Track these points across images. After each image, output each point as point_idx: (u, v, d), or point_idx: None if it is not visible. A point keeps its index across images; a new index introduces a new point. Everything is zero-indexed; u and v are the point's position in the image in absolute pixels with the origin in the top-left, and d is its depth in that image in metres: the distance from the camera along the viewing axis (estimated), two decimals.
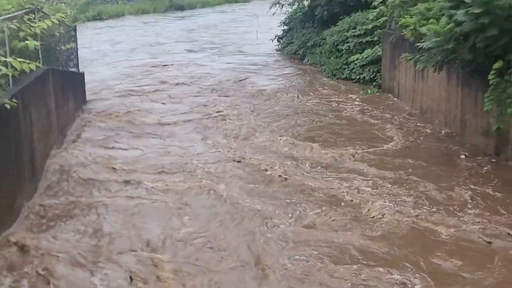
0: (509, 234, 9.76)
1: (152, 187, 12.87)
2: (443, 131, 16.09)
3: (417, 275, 8.60)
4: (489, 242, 9.50)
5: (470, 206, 11.12)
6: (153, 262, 9.39)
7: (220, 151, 15.69)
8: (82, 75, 21.03)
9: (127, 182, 13.29)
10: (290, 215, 11.19)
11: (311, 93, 22.48)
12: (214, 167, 14.31)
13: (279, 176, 13.36)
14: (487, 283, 8.26)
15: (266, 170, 13.89)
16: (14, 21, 12.86)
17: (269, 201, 11.92)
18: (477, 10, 11.83)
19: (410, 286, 8.29)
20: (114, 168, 14.27)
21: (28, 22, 13.95)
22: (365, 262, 9.08)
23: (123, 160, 14.93)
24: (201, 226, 10.92)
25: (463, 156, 13.89)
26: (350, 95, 21.70)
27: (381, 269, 8.75)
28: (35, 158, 12.73)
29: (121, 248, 9.92)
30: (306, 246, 9.88)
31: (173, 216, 11.34)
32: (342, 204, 11.58)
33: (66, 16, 17.98)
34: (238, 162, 14.76)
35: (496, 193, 11.68)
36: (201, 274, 9.01)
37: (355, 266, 8.97)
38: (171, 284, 8.87)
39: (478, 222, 10.27)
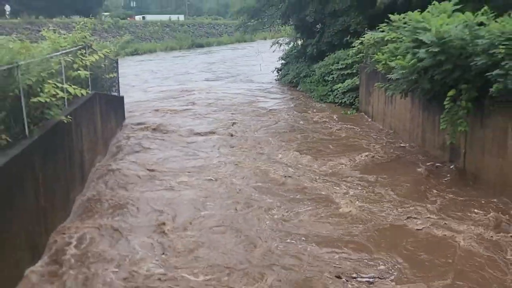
0: (445, 223, 10.08)
1: (180, 182, 13.30)
2: (408, 145, 16.14)
3: (380, 251, 8.92)
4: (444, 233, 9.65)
5: (425, 200, 11.46)
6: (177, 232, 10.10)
7: (232, 156, 16.00)
8: (122, 98, 21.18)
9: (159, 179, 13.60)
10: (285, 207, 11.40)
11: (303, 113, 22.57)
12: (228, 168, 14.64)
13: (281, 176, 13.58)
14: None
15: (270, 172, 14.12)
16: (70, 55, 13.07)
17: (271, 196, 12.19)
18: (435, 49, 12.00)
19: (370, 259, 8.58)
20: (148, 169, 14.50)
21: (80, 56, 14.13)
22: (337, 244, 9.31)
23: (156, 162, 15.19)
24: (217, 211, 11.35)
25: (422, 167, 13.92)
26: (334, 115, 21.79)
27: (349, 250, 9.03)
28: (84, 164, 12.90)
29: (154, 224, 10.44)
30: (293, 230, 10.14)
31: (197, 202, 11.82)
32: (325, 200, 11.77)
33: (110, 51, 18.17)
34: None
35: (448, 193, 11.85)
36: (212, 242, 9.66)
37: (328, 245, 9.29)
38: (191, 246, 9.47)
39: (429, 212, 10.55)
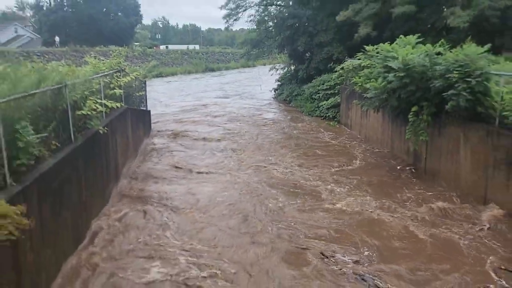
0: (406, 210, 10.21)
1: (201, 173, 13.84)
2: (380, 150, 16.12)
3: (356, 238, 8.87)
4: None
5: (393, 192, 11.54)
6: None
7: (239, 156, 16.27)
8: (149, 112, 21.19)
9: (182, 174, 13.88)
10: (281, 198, 11.47)
11: (296, 124, 22.54)
12: (236, 165, 14.91)
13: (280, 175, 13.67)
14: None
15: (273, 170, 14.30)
16: (107, 77, 13.14)
17: (270, 189, 12.34)
18: (402, 74, 12.05)
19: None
20: (173, 166, 14.77)
21: (116, 77, 14.21)
22: (322, 231, 9.28)
23: (179, 161, 15.33)
24: (228, 196, 11.78)
25: (392, 168, 13.99)
26: (320, 126, 21.77)
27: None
28: (118, 165, 12.90)
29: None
30: (285, 217, 10.21)
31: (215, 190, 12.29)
32: (315, 194, 11.76)
33: (139, 74, 18.21)
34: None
35: (412, 189, 11.89)
36: (221, 217, 10.23)
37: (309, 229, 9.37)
38: (205, 219, 10.17)
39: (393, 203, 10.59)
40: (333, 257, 8.19)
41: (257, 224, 9.88)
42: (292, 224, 9.76)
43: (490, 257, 7.92)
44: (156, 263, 8.00)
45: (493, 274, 7.42)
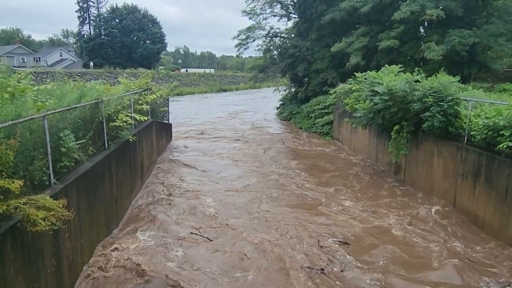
0: (388, 212, 10.19)
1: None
2: (366, 162, 16.07)
3: (338, 226, 8.92)
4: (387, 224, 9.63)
5: (376, 196, 11.49)
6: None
7: (244, 152, 17.34)
8: (170, 124, 21.33)
9: (199, 171, 14.45)
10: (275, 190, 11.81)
11: (294, 138, 22.52)
12: (235, 154, 16.42)
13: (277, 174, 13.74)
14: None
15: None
16: (136, 94, 13.28)
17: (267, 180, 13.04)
18: (386, 97, 12.09)
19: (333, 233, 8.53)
20: (189, 166, 15.30)
21: (144, 95, 14.34)
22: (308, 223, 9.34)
23: (195, 162, 15.86)
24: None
25: (375, 176, 13.94)
26: (316, 140, 21.78)
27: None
28: (144, 168, 12.99)
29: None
30: (275, 208, 10.46)
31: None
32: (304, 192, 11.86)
33: (163, 92, 18.36)
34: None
35: (393, 194, 11.84)
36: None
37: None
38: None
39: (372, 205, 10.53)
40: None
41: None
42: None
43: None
44: None
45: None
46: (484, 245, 8.30)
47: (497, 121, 8.43)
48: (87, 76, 46.50)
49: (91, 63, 67.25)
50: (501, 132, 8.32)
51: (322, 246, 8.21)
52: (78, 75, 45.03)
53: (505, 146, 8.05)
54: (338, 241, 8.50)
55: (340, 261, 7.63)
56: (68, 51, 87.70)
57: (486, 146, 9.00)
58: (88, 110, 8.36)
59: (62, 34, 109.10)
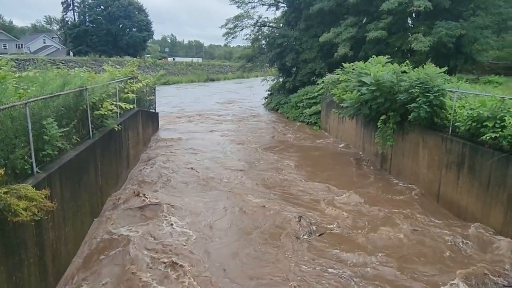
0: (377, 198, 10.31)
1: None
2: (353, 151, 16.23)
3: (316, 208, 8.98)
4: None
5: (363, 185, 11.40)
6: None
7: (230, 140, 17.47)
8: (157, 113, 21.14)
9: (185, 158, 14.17)
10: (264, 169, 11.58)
11: (282, 126, 22.57)
12: (227, 145, 16.38)
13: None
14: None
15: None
16: (122, 83, 13.07)
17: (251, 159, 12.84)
18: (373, 88, 12.13)
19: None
20: (176, 155, 15.14)
21: (129, 83, 14.14)
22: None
23: (181, 150, 15.96)
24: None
25: (363, 166, 14.07)
26: (304, 130, 21.81)
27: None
28: (129, 157, 12.86)
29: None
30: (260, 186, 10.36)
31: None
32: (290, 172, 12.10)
33: (149, 81, 18.12)
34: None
35: (379, 182, 11.93)
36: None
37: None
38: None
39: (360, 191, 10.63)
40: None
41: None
42: None
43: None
44: None
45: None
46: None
47: (481, 112, 8.55)
48: (71, 64, 45.53)
49: (71, 53, 66.26)
50: (484, 123, 8.45)
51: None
52: (62, 63, 44.08)
53: (488, 137, 8.18)
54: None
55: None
56: (52, 38, 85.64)
57: (470, 137, 9.13)
58: (71, 98, 8.20)
59: (45, 20, 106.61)
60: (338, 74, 18.15)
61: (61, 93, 7.45)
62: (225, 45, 79.67)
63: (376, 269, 7.01)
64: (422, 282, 6.61)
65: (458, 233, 8.34)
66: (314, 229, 8.67)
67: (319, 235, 8.37)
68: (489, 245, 7.73)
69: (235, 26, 32.38)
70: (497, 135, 7.99)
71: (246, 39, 33.20)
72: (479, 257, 7.38)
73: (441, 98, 10.47)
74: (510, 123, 7.73)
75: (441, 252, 7.63)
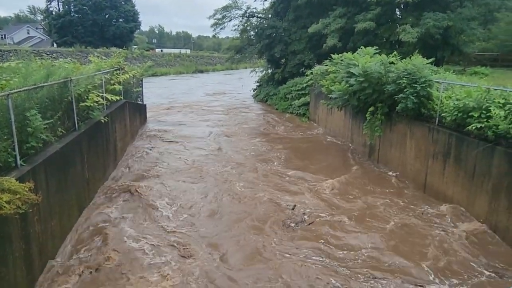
0: (365, 187, 10.26)
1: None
2: (341, 142, 16.29)
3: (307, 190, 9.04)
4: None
5: (346, 174, 11.59)
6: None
7: (217, 128, 16.84)
8: (145, 105, 20.92)
9: (174, 149, 13.60)
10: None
11: (271, 118, 22.52)
12: (216, 136, 16.50)
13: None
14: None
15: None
16: (108, 74, 12.89)
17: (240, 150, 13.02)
18: (361, 79, 12.16)
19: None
20: (164, 146, 15.04)
21: (116, 74, 13.94)
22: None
23: (169, 142, 15.95)
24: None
25: (351, 157, 14.14)
26: (293, 121, 21.81)
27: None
28: (117, 149, 12.74)
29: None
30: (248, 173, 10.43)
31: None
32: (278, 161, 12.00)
33: (136, 72, 17.91)
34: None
35: (368, 172, 11.99)
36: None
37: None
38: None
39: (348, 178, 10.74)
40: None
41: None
42: None
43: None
44: None
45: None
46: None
47: (467, 102, 8.65)
48: (56, 55, 44.74)
49: (55, 44, 65.04)
50: (470, 114, 8.55)
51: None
52: (47, 54, 43.34)
53: (473, 127, 8.29)
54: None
55: None
56: (36, 28, 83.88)
57: (456, 127, 9.25)
58: (56, 90, 8.05)
59: (29, 10, 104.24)
60: (326, 65, 18.14)
61: (45, 84, 7.30)
62: (214, 36, 78.98)
63: (364, 254, 7.13)
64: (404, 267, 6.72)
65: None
66: (306, 218, 8.74)
67: (308, 224, 8.46)
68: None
69: (223, 17, 32.05)
70: (483, 125, 8.10)
71: (235, 30, 32.95)
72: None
73: (428, 89, 10.55)
74: (495, 113, 7.83)
75: (427, 238, 7.77)
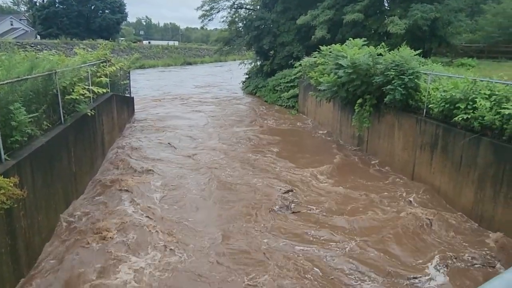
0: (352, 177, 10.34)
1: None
2: (330, 134, 16.35)
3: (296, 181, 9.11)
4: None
5: (333, 164, 11.56)
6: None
7: (207, 119, 17.42)
8: (132, 98, 20.67)
9: (163, 141, 13.59)
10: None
11: (261, 110, 22.48)
12: (205, 128, 16.21)
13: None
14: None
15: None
16: (94, 66, 12.69)
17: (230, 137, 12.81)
18: (350, 71, 12.19)
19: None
20: (151, 140, 14.90)
21: (102, 67, 13.73)
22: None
23: (158, 134, 15.86)
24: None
25: (340, 148, 14.22)
26: (282, 114, 21.75)
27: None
28: (105, 143, 12.60)
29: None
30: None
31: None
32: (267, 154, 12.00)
33: (123, 65, 17.66)
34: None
35: (357, 163, 12.11)
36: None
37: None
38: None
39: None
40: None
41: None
42: None
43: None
44: None
45: None
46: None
47: (453, 94, 8.73)
48: (41, 47, 43.85)
49: (38, 36, 63.77)
50: (457, 105, 8.64)
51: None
52: (31, 46, 42.47)
53: (460, 118, 8.38)
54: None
55: None
56: (20, 19, 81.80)
57: (443, 118, 9.35)
58: (40, 82, 7.89)
59: (12, 1, 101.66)
60: (315, 57, 18.15)
61: (29, 76, 7.15)
62: (202, 28, 78.69)
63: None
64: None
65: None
66: (293, 206, 8.84)
67: (293, 213, 8.60)
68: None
69: (211, 8, 31.78)
70: (469, 116, 8.19)
71: (223, 21, 32.73)
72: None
73: (415, 80, 10.63)
74: (481, 104, 7.93)
75: (412, 227, 7.88)
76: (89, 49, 15.77)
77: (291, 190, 9.75)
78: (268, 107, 23.82)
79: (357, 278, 6.20)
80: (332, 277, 6.24)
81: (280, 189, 9.83)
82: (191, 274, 6.30)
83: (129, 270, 6.33)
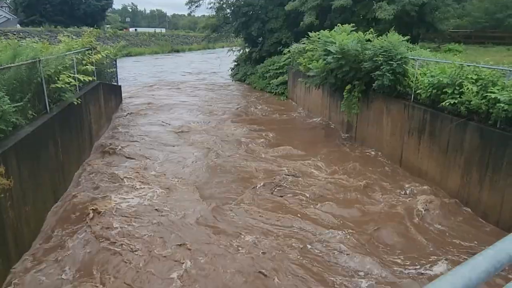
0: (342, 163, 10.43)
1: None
2: (319, 120, 16.40)
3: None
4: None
5: (324, 149, 11.55)
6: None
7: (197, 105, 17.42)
8: (120, 86, 20.37)
9: (153, 130, 13.40)
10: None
11: (251, 97, 22.39)
12: (194, 115, 15.93)
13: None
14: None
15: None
16: (80, 54, 12.46)
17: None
18: (338, 57, 12.15)
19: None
20: (141, 127, 14.96)
21: (88, 55, 13.49)
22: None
23: (147, 122, 15.83)
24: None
25: (329, 134, 14.30)
26: (271, 100, 21.77)
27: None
28: (92, 132, 12.45)
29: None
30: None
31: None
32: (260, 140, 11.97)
33: (110, 52, 17.36)
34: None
35: (345, 149, 12.15)
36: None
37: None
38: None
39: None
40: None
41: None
42: None
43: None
44: None
45: None
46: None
47: (441, 79, 8.80)
48: (23, 35, 42.79)
49: (18, 25, 62.17)
50: (444, 90, 8.72)
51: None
52: (13, 34, 41.45)
53: (447, 103, 8.47)
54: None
55: None
56: (1, 7, 79.61)
57: (430, 103, 9.44)
58: (24, 71, 7.72)
59: None
60: (304, 44, 18.05)
61: (12, 65, 7.00)
62: (189, 14, 77.48)
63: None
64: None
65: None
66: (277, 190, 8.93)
67: (281, 196, 8.70)
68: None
69: None
70: (456, 101, 8.28)
71: (211, 8, 32.16)
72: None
73: (404, 66, 10.66)
74: (467, 89, 8.01)
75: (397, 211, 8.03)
76: (74, 37, 15.42)
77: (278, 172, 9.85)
78: (257, 94, 23.73)
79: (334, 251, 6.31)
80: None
81: (266, 170, 9.94)
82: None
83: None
